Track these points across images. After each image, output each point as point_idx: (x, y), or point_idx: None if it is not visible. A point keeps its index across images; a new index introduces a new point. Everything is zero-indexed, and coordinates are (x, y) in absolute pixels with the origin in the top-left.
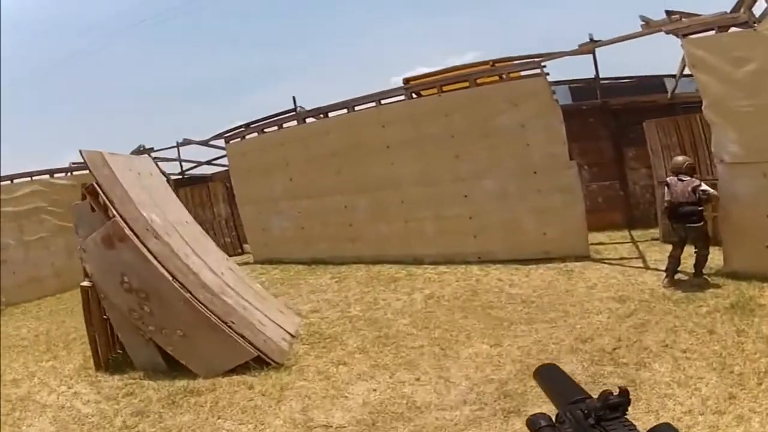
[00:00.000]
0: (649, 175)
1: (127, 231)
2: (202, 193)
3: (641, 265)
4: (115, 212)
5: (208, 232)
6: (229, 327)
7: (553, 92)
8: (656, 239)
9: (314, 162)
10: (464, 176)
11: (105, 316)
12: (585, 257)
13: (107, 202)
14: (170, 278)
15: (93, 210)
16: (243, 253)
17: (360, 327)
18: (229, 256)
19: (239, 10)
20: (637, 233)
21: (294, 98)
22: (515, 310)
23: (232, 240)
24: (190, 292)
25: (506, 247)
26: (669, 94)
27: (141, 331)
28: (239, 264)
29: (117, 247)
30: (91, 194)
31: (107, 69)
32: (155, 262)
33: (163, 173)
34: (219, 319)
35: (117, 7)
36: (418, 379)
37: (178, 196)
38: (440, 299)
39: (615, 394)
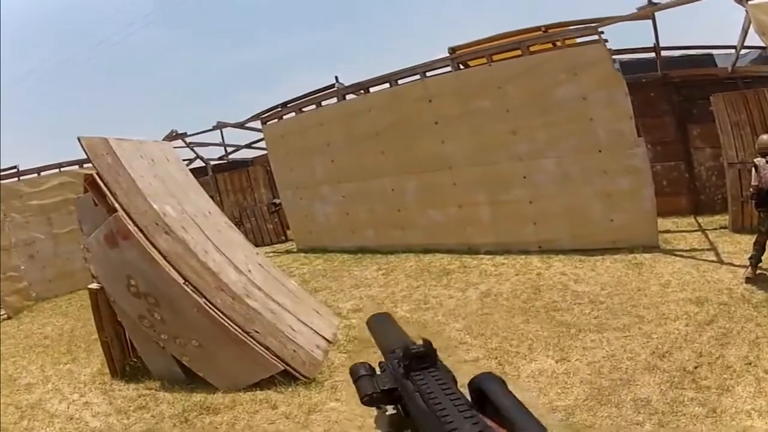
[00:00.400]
0: (715, 156)
1: (131, 227)
2: (242, 178)
3: (714, 258)
4: (117, 206)
5: (249, 219)
6: (251, 337)
7: (614, 61)
8: (725, 227)
9: (356, 142)
10: (522, 155)
11: (118, 321)
12: (654, 248)
13: (109, 194)
14: (181, 281)
15: (96, 204)
16: (287, 240)
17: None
18: (272, 243)
19: None
20: (703, 220)
21: (336, 78)
22: (583, 313)
23: (274, 226)
24: (205, 297)
25: (570, 236)
26: (730, 67)
27: (155, 339)
28: (282, 252)
29: (120, 245)
30: (91, 186)
31: (139, 55)
32: (163, 263)
33: (201, 158)
34: (239, 328)
35: None
36: None
37: (216, 181)
38: (498, 297)
39: (417, 344)
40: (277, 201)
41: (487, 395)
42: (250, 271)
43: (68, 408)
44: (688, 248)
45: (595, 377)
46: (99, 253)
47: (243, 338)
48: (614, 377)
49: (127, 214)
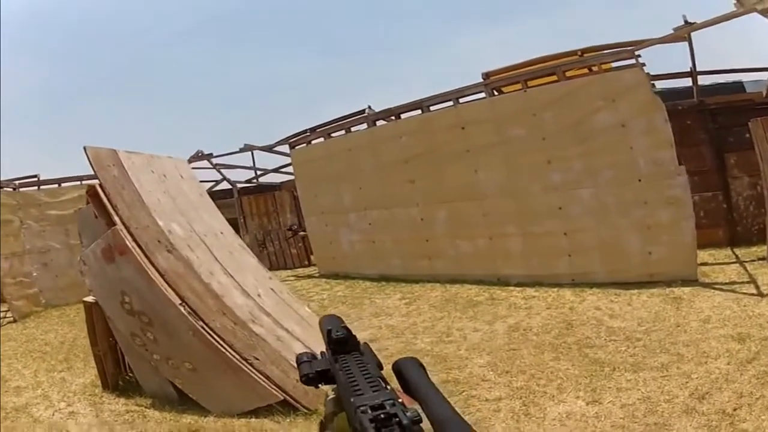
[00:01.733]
0: (752, 185)
1: (129, 242)
2: (268, 201)
3: (754, 291)
4: (117, 219)
5: (272, 242)
6: (250, 365)
7: (653, 86)
8: (763, 259)
9: (386, 169)
10: (557, 185)
11: (113, 335)
12: (693, 281)
13: (110, 207)
14: (177, 302)
15: (96, 216)
16: (310, 264)
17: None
18: (294, 267)
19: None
20: (740, 252)
21: (369, 107)
22: (617, 351)
23: (298, 251)
24: (203, 320)
25: (605, 269)
26: (765, 91)
27: (147, 358)
28: (303, 277)
29: (117, 261)
30: (93, 197)
31: (173, 72)
32: (160, 282)
33: (228, 180)
34: (237, 354)
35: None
36: None
37: (241, 204)
38: (527, 332)
39: (339, 331)
40: (294, 226)
41: (403, 374)
42: (259, 295)
43: (53, 415)
44: (727, 281)
45: (629, 421)
46: (95, 266)
47: (240, 365)
48: (649, 421)
49: (127, 229)
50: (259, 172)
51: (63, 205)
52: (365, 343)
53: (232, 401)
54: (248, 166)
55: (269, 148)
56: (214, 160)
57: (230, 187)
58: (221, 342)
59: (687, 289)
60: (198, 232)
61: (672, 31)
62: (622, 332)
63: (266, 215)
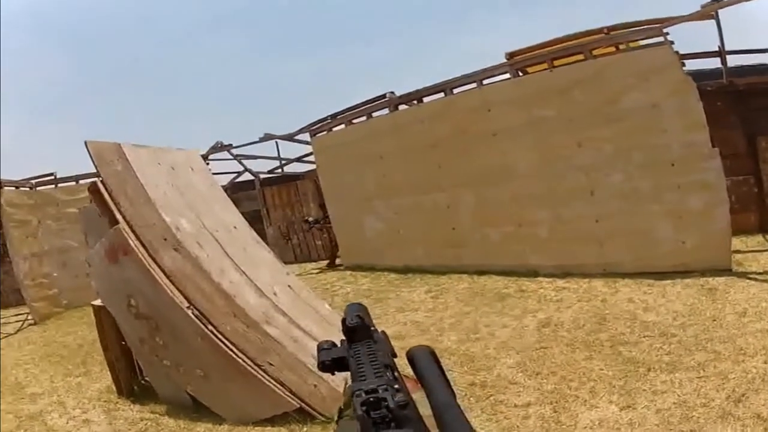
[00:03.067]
0: None
1: (132, 241)
2: (291, 192)
3: None
4: (120, 217)
5: (296, 234)
6: (263, 371)
7: (683, 65)
8: None
9: (410, 155)
10: (589, 168)
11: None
12: (727, 270)
13: (112, 204)
14: (185, 305)
15: (100, 215)
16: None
17: (450, 367)
18: (319, 259)
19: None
20: None
21: (392, 92)
22: (652, 348)
23: (323, 242)
24: (212, 324)
25: (638, 258)
26: None
27: (157, 364)
28: (327, 269)
29: (121, 261)
30: (94, 194)
31: (191, 67)
32: (166, 283)
33: (250, 171)
34: (251, 360)
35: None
36: None
37: (263, 195)
38: (558, 328)
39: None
40: (310, 219)
41: (414, 362)
42: (275, 293)
43: (67, 423)
44: (761, 271)
45: (664, 428)
46: (100, 268)
47: (253, 372)
48: (684, 429)
49: (130, 227)
50: (284, 162)
51: (81, 203)
52: (382, 331)
53: (246, 409)
54: (270, 156)
55: (290, 137)
56: (235, 151)
57: (252, 178)
58: (232, 347)
59: (721, 279)
60: (208, 227)
61: (700, 8)
62: (657, 327)
63: (289, 206)
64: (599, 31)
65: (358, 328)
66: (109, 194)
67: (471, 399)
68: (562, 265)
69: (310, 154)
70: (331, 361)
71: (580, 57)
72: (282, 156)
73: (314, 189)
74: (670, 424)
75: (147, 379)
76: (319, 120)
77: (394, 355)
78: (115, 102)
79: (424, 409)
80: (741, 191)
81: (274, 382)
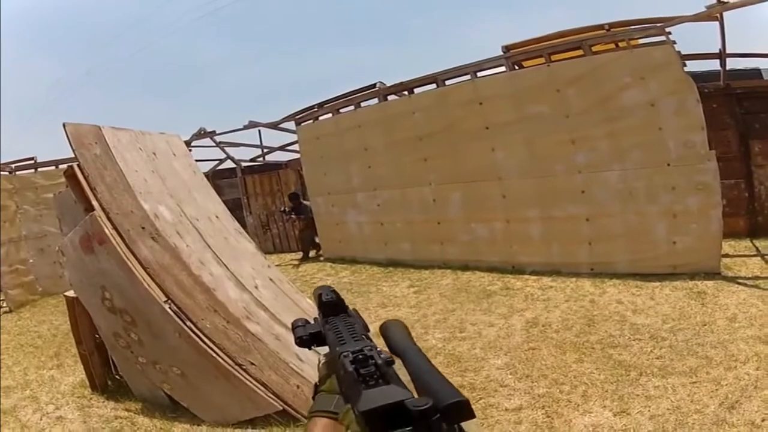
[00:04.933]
0: None
1: (108, 230)
2: (272, 181)
3: None
4: (96, 204)
5: (276, 224)
6: (244, 370)
7: (684, 65)
8: None
9: (397, 147)
10: (582, 167)
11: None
12: (716, 274)
13: (88, 189)
14: (162, 299)
15: (75, 201)
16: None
17: (436, 367)
18: (299, 250)
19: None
20: (760, 243)
21: (381, 82)
22: (643, 352)
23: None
24: (191, 320)
25: (628, 259)
26: None
27: (132, 361)
28: (303, 261)
29: (96, 251)
30: (70, 179)
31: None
32: (142, 276)
33: (232, 159)
34: (230, 359)
35: None
36: None
37: (245, 184)
38: (547, 328)
39: (329, 295)
40: (286, 209)
41: (388, 335)
42: (256, 287)
43: (41, 419)
44: (750, 276)
45: None
46: (73, 257)
47: (234, 371)
48: None
49: (107, 215)
50: (264, 150)
51: (60, 188)
52: (354, 308)
53: (226, 410)
54: (252, 144)
55: (274, 125)
56: (218, 138)
57: (234, 166)
58: (211, 345)
59: (710, 283)
60: (189, 215)
61: (705, 9)
62: (647, 330)
63: (270, 195)
64: (600, 27)
65: (334, 302)
66: (86, 179)
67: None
68: (550, 263)
69: (294, 143)
70: (308, 336)
71: (579, 53)
72: (265, 144)
73: (297, 178)
74: (665, 431)
75: (121, 374)
76: (305, 108)
77: (368, 330)
78: (94, 101)
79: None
80: (732, 195)
81: (256, 383)
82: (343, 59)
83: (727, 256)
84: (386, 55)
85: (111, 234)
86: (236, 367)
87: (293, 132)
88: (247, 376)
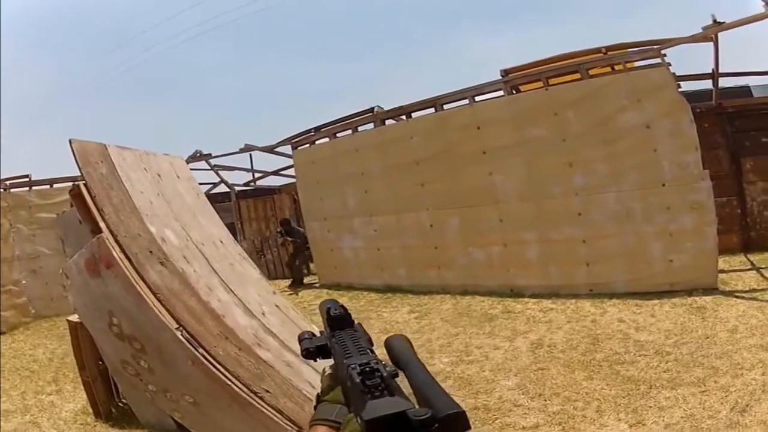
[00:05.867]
0: (766, 190)
1: (117, 253)
2: (267, 206)
3: None
4: (104, 226)
5: (270, 249)
6: (260, 398)
7: (679, 86)
8: None
9: (394, 172)
10: (579, 189)
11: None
12: (713, 290)
13: (95, 210)
14: (174, 326)
15: (81, 222)
16: (310, 273)
17: (447, 390)
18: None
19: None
20: (755, 258)
21: (378, 106)
22: (650, 366)
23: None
24: (203, 347)
25: (626, 279)
26: None
27: (141, 388)
28: (295, 288)
29: (103, 275)
30: (76, 199)
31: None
32: (153, 302)
33: (225, 183)
34: (245, 387)
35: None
36: None
37: (239, 209)
38: (552, 349)
39: (337, 309)
40: (281, 230)
41: (392, 348)
42: (264, 313)
43: None
44: (747, 289)
45: None
46: (78, 281)
47: (250, 399)
48: None
49: (114, 237)
50: (257, 175)
51: (55, 208)
52: (359, 323)
53: None
54: (247, 168)
55: (270, 149)
56: (213, 161)
57: (228, 190)
58: (225, 372)
59: (708, 298)
60: (195, 240)
61: (701, 30)
62: (651, 346)
63: (264, 220)
64: (597, 50)
65: (341, 317)
66: (93, 199)
67: (476, 423)
68: (549, 286)
69: (288, 167)
70: (315, 348)
71: (576, 76)
72: (259, 168)
73: (291, 203)
74: None
75: (124, 401)
76: (301, 132)
77: (372, 344)
78: (93, 111)
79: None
80: (724, 212)
81: (272, 411)
82: (341, 75)
83: (722, 271)
84: (387, 70)
85: (119, 257)
86: (251, 394)
87: (289, 156)
88: (263, 404)
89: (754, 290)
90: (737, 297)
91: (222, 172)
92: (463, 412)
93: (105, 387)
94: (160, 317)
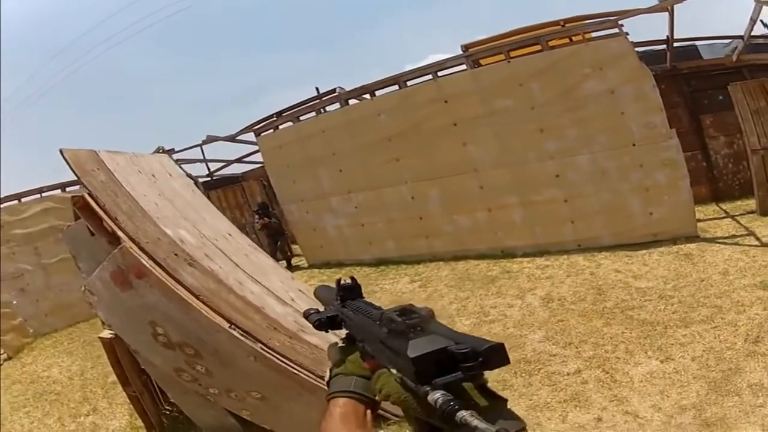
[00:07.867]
0: (729, 144)
1: (146, 261)
2: (237, 194)
3: (757, 243)
4: (122, 234)
5: (249, 236)
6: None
7: (639, 55)
8: (752, 212)
9: (366, 149)
10: (553, 153)
11: (143, 369)
12: (695, 237)
13: (108, 219)
14: (226, 325)
15: (92, 233)
16: (293, 255)
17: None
18: (277, 260)
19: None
20: (726, 206)
21: (317, 89)
22: (658, 309)
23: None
24: (260, 341)
25: (611, 232)
26: (735, 56)
27: (201, 393)
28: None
29: (136, 286)
30: (84, 210)
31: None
32: (197, 304)
33: (190, 176)
34: (309, 372)
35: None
36: (599, 420)
37: (210, 200)
38: (563, 302)
39: (348, 280)
40: (258, 210)
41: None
42: (293, 299)
43: None
44: (726, 235)
45: (706, 371)
46: (107, 296)
47: (319, 384)
48: (723, 368)
49: (137, 245)
50: (221, 164)
51: (27, 223)
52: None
53: (314, 423)
54: (209, 159)
55: (232, 138)
56: (176, 156)
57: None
58: (287, 361)
59: (693, 246)
60: (208, 237)
61: (657, 2)
62: (653, 292)
63: (238, 208)
64: (555, 23)
65: (351, 286)
66: (103, 208)
67: (523, 374)
68: (537, 245)
69: (251, 153)
70: (326, 319)
71: (537, 48)
72: (218, 158)
73: (261, 189)
74: (710, 368)
75: (170, 409)
76: (263, 118)
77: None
78: (43, 118)
79: None
80: (691, 166)
81: None
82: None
83: (700, 220)
84: (317, 60)
85: (150, 265)
86: (318, 379)
87: (252, 143)
88: None
89: (734, 236)
90: (720, 243)
91: (185, 166)
92: (503, 345)
93: (151, 398)
94: (210, 319)
